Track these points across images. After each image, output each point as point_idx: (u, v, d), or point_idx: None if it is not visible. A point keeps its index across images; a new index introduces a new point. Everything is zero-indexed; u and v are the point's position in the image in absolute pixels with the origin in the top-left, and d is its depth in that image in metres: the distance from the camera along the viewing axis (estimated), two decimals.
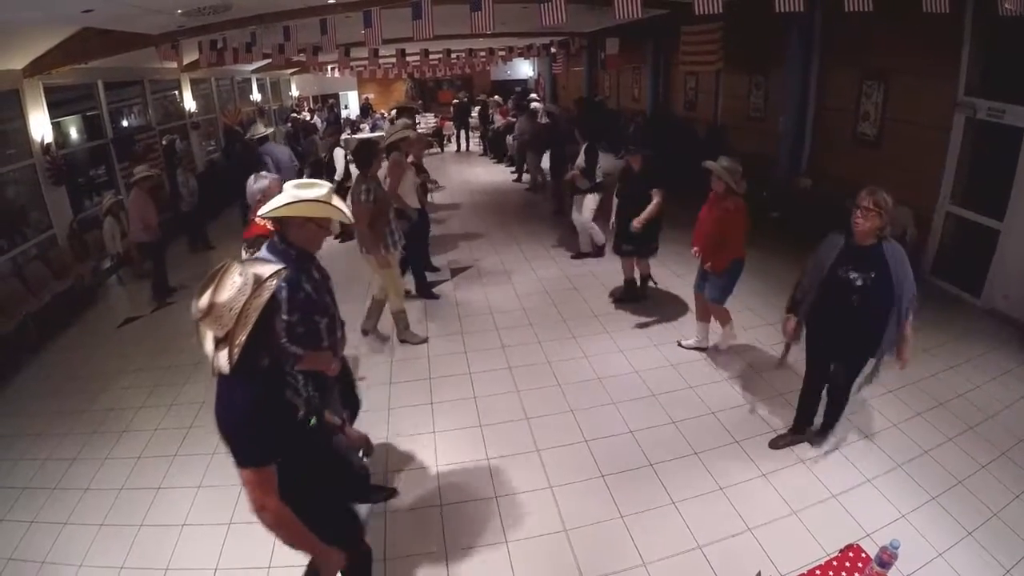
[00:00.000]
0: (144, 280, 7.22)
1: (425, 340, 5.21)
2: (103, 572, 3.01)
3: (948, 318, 5.18)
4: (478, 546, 3.01)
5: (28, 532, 3.35)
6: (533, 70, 23.55)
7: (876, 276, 2.99)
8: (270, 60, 9.53)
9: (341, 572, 2.28)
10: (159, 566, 3.01)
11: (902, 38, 6.19)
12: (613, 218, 5.51)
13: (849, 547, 2.17)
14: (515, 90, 19.46)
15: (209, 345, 1.76)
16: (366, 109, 19.89)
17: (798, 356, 3.54)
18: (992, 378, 4.29)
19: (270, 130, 11.47)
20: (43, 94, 7.10)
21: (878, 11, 4.78)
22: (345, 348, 2.99)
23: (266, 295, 1.76)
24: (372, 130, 15.81)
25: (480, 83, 23.87)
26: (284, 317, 2.41)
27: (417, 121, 13.41)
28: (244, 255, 3.12)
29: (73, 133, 8.29)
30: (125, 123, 9.61)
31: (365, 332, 5.24)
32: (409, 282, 6.01)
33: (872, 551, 2.04)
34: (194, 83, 11.87)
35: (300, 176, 9.13)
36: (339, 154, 8.92)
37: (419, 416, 4.15)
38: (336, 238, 7.41)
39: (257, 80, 16.37)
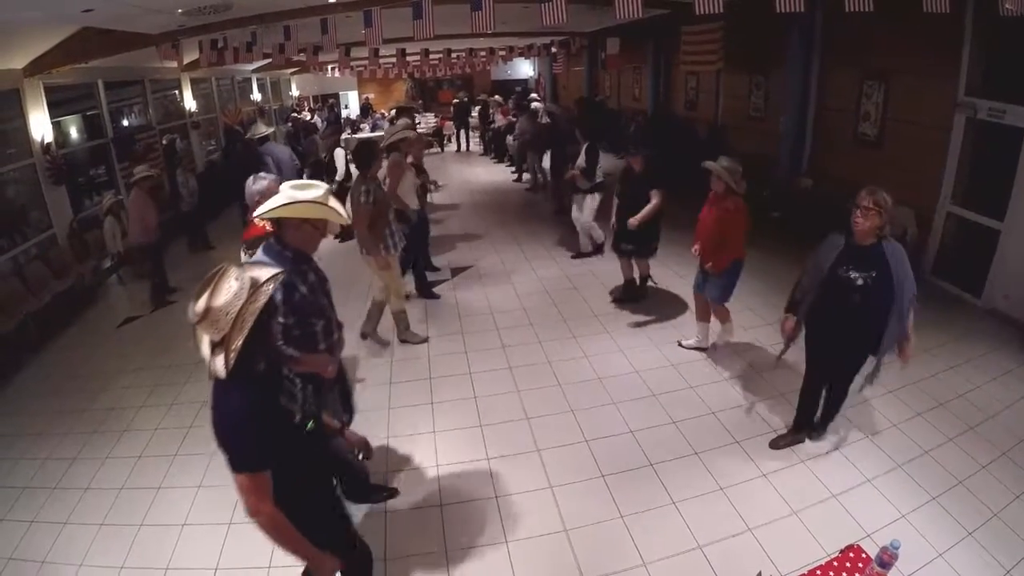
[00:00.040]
0: (145, 280, 7.21)
1: (425, 340, 5.21)
2: (103, 572, 3.01)
3: (949, 318, 5.18)
4: (478, 546, 3.01)
5: (28, 532, 3.35)
6: (534, 70, 23.54)
7: (876, 276, 2.99)
8: (270, 60, 9.53)
9: (341, 572, 2.28)
10: (159, 566, 3.02)
11: (903, 38, 6.19)
12: (613, 219, 5.51)
13: (849, 547, 2.17)
14: (515, 90, 19.46)
15: (206, 349, 1.75)
16: (366, 109, 19.89)
17: (799, 356, 3.54)
18: (992, 378, 4.29)
19: (271, 130, 11.45)
20: (43, 93, 7.10)
21: (879, 11, 4.78)
22: (343, 350, 2.99)
23: (262, 300, 1.75)
24: (372, 130, 15.80)
25: (480, 83, 23.87)
26: (280, 320, 2.40)
27: (417, 121, 13.40)
28: (243, 256, 3.12)
29: (73, 133, 8.29)
30: (125, 123, 9.61)
31: (364, 336, 5.18)
32: (409, 282, 6.01)
33: (872, 551, 2.04)
34: (194, 83, 11.87)
35: (301, 176, 9.15)
36: (340, 154, 8.92)
37: (419, 416, 4.15)
38: (336, 238, 7.40)
39: (257, 80, 16.38)
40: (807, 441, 3.64)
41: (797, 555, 2.78)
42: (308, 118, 16.23)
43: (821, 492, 3.24)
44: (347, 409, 3.20)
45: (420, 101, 22.10)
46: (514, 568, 2.87)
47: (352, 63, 12.95)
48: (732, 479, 3.38)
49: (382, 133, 10.71)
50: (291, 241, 2.48)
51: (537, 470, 3.54)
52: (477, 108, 16.80)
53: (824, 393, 3.53)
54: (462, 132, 16.53)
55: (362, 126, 17.05)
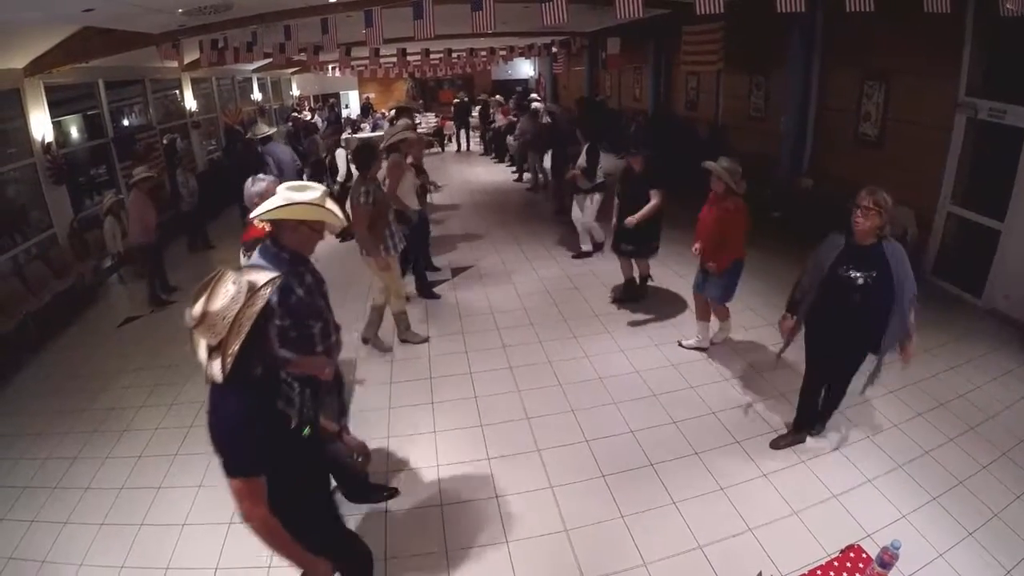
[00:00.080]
0: (145, 280, 7.21)
1: (426, 340, 5.20)
2: (104, 571, 3.01)
3: (949, 318, 5.17)
4: (479, 546, 3.01)
5: (28, 531, 3.35)
6: (534, 70, 23.54)
7: (877, 275, 2.99)
8: (271, 59, 9.52)
9: (340, 573, 2.28)
10: (159, 565, 3.02)
11: (903, 38, 6.19)
12: (614, 219, 5.51)
13: (850, 547, 2.17)
14: (516, 90, 19.49)
15: (203, 353, 1.75)
16: (367, 108, 19.90)
17: (798, 356, 3.54)
18: (993, 378, 4.28)
19: (273, 130, 11.46)
20: (44, 93, 7.10)
21: (879, 11, 4.77)
22: (341, 352, 2.98)
23: (260, 304, 1.75)
24: (373, 129, 15.80)
25: (481, 83, 23.88)
26: (276, 322, 2.39)
27: (417, 121, 13.40)
28: (242, 258, 3.11)
29: (74, 132, 8.29)
30: (126, 122, 9.62)
31: (366, 340, 5.12)
32: (409, 283, 6.01)
33: (873, 551, 2.04)
34: (195, 82, 11.88)
35: (302, 176, 9.16)
36: (341, 155, 8.92)
37: (420, 416, 4.15)
38: (337, 237, 7.40)
39: (258, 79, 16.39)
40: (807, 441, 3.64)
41: (798, 555, 2.78)
42: (309, 118, 16.24)
43: (822, 492, 3.24)
44: (341, 412, 3.19)
45: (421, 101, 22.08)
46: (514, 568, 2.87)
47: (353, 63, 12.94)
48: (732, 479, 3.38)
49: (382, 133, 10.70)
50: (288, 243, 2.47)
51: (537, 470, 3.54)
52: (477, 108, 16.80)
53: (823, 391, 3.53)
54: (462, 132, 16.53)
55: (362, 126, 17.06)
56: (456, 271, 6.93)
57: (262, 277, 1.82)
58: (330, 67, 16.02)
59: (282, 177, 7.63)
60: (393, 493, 3.38)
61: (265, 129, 12.05)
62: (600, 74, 16.73)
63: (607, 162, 7.25)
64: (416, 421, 4.08)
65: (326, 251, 2.70)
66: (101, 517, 3.39)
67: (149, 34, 6.84)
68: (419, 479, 3.52)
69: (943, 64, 5.70)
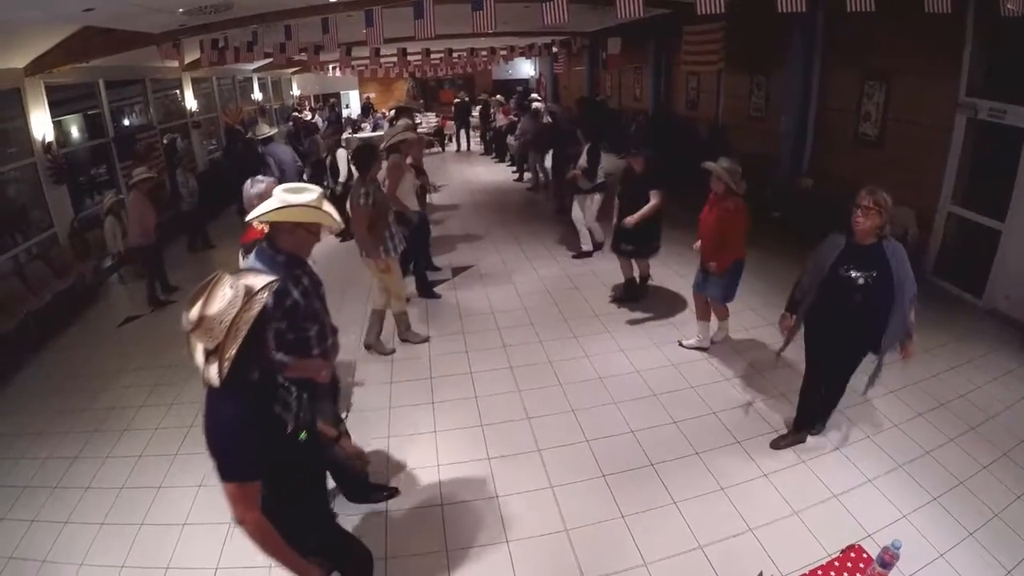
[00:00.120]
0: (145, 280, 7.22)
1: (426, 339, 5.20)
2: (104, 571, 3.01)
3: (950, 318, 5.17)
4: (479, 546, 3.01)
5: (29, 531, 3.35)
6: (535, 69, 23.55)
7: (877, 275, 2.99)
8: (271, 59, 9.53)
9: (340, 573, 2.28)
10: (160, 565, 3.02)
11: (904, 38, 6.18)
12: (615, 219, 5.51)
13: (851, 547, 2.17)
14: (517, 90, 19.51)
15: (199, 357, 1.74)
16: (367, 108, 19.90)
17: (799, 355, 3.54)
18: (993, 379, 4.28)
19: (275, 130, 11.46)
20: (44, 93, 7.10)
21: (880, 11, 4.77)
22: (340, 355, 2.97)
23: (257, 308, 1.74)
24: (373, 129, 15.81)
25: (482, 82, 23.89)
26: (272, 325, 2.38)
27: (418, 120, 13.40)
28: (241, 260, 3.11)
29: (74, 132, 8.29)
30: (126, 122, 9.62)
31: (368, 347, 5.05)
32: (410, 283, 6.00)
33: (874, 551, 2.05)
34: (195, 82, 11.88)
35: (303, 176, 9.15)
36: (342, 155, 8.91)
37: (420, 415, 4.15)
38: (337, 237, 7.41)
39: (258, 79, 16.39)
40: (808, 440, 3.64)
41: (798, 555, 2.78)
42: (309, 117, 16.24)
43: (822, 492, 3.24)
44: (336, 418, 3.18)
45: (421, 101, 22.10)
46: (515, 568, 2.87)
47: (353, 62, 12.96)
48: (733, 479, 3.37)
49: (383, 132, 10.70)
50: (284, 245, 2.46)
51: (538, 470, 3.54)
52: (478, 108, 16.81)
53: (823, 391, 3.53)
54: (463, 132, 16.54)
55: (363, 125, 17.06)
56: (456, 271, 6.93)
57: (259, 281, 1.81)
58: (330, 67, 16.03)
59: (283, 178, 7.65)
60: (393, 493, 3.38)
61: (266, 130, 12.07)
62: (600, 74, 16.74)
63: (607, 162, 7.25)
64: (416, 421, 4.08)
65: (325, 252, 2.69)
66: (101, 517, 3.39)
67: (150, 34, 6.85)
68: (419, 479, 3.52)
69: (944, 64, 5.70)
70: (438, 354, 4.99)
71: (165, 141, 10.15)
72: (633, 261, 5.66)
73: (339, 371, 3.22)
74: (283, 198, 2.37)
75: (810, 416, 3.62)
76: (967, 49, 5.48)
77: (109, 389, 4.89)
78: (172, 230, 8.57)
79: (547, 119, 10.66)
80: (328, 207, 2.44)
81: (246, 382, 1.78)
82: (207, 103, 12.75)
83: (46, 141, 7.03)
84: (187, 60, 8.15)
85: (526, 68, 24.31)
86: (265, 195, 3.38)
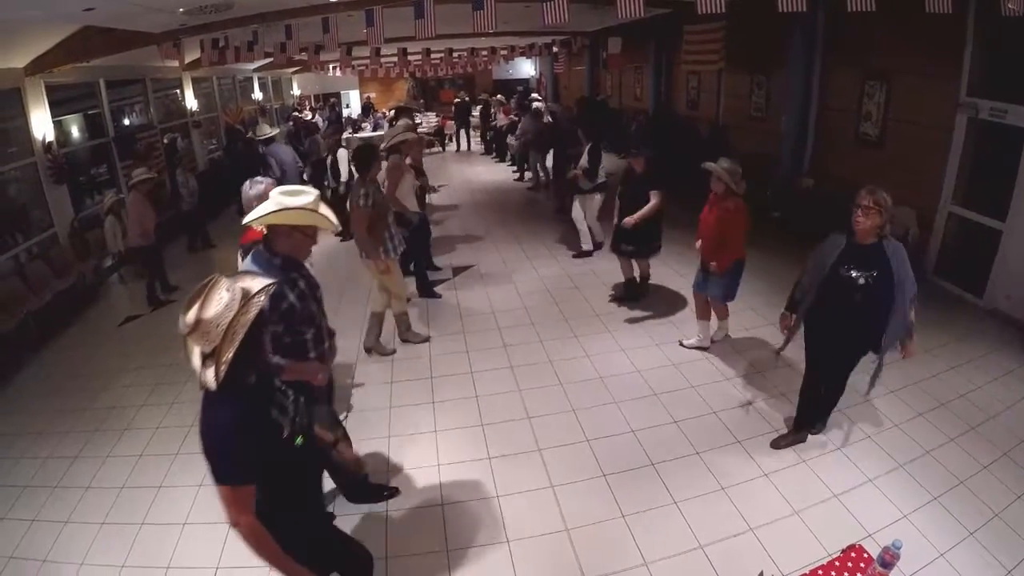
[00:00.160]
0: (145, 280, 7.22)
1: (427, 339, 5.20)
2: (104, 571, 3.02)
3: (950, 318, 5.17)
4: (479, 545, 3.01)
5: (29, 531, 3.35)
6: (535, 69, 23.55)
7: (877, 275, 2.99)
8: (272, 59, 9.54)
9: (340, 573, 2.27)
10: (160, 564, 3.02)
11: (905, 38, 6.18)
12: (616, 219, 5.51)
13: (851, 547, 2.17)
14: (517, 89, 19.52)
15: (196, 361, 1.74)
16: (368, 108, 19.90)
17: (799, 355, 3.54)
18: (994, 378, 4.28)
19: (276, 131, 11.46)
20: (44, 92, 7.11)
21: (881, 11, 4.77)
22: (337, 357, 2.96)
23: (254, 312, 1.74)
24: (374, 129, 15.81)
25: (482, 82, 23.90)
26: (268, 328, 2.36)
27: (418, 120, 13.39)
28: (240, 261, 3.10)
29: (75, 131, 8.30)
30: (127, 121, 9.62)
31: (369, 350, 5.04)
32: (411, 284, 6.00)
33: (874, 551, 2.05)
34: (196, 82, 11.89)
35: (304, 176, 9.15)
36: (343, 155, 8.91)
37: (420, 415, 4.15)
38: (338, 236, 7.40)
39: (259, 79, 16.40)
40: (808, 440, 3.63)
41: (799, 555, 2.78)
42: (309, 117, 16.24)
43: (823, 492, 3.24)
44: (334, 421, 3.16)
45: (421, 100, 22.11)
46: (515, 567, 2.87)
47: (353, 62, 12.96)
48: (733, 479, 3.37)
49: (383, 132, 10.69)
50: (281, 249, 2.45)
51: (538, 469, 3.54)
52: (478, 107, 16.81)
53: (822, 390, 3.53)
54: (463, 132, 16.54)
55: (363, 125, 17.06)
56: (457, 270, 6.93)
57: (256, 284, 1.81)
58: (331, 67, 16.03)
59: (284, 178, 7.64)
60: (393, 493, 3.38)
61: (268, 130, 12.06)
62: (601, 74, 16.74)
63: (608, 162, 7.25)
64: (417, 420, 4.08)
65: (324, 252, 2.69)
66: (102, 516, 3.40)
67: (150, 33, 6.85)
68: (419, 479, 3.52)
69: (944, 64, 5.69)
70: (438, 354, 4.99)
71: (165, 141, 10.16)
72: (633, 261, 5.66)
73: (337, 373, 3.21)
74: (279, 201, 2.36)
75: (810, 415, 3.62)
76: (968, 49, 5.47)
77: (109, 388, 4.89)
78: (172, 230, 8.58)
79: (548, 119, 10.66)
80: (325, 210, 2.43)
81: (243, 385, 1.78)
82: (207, 103, 12.76)
83: (46, 141, 7.04)
84: (187, 60, 8.15)
85: (526, 68, 24.31)
86: (264, 196, 3.37)
